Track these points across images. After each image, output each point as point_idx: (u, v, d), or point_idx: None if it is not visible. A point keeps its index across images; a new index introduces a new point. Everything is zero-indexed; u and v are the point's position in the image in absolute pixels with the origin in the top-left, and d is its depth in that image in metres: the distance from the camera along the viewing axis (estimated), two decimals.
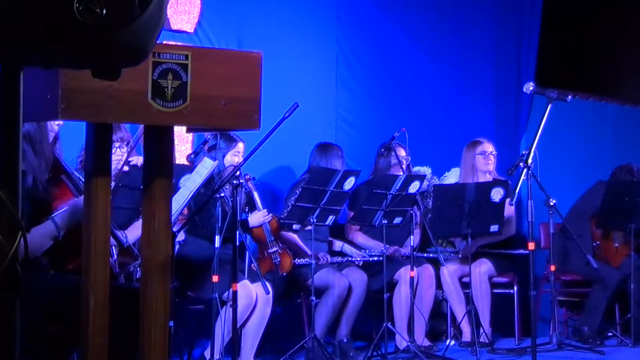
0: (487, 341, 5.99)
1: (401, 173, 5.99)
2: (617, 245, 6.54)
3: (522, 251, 6.32)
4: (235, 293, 4.67)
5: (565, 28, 7.76)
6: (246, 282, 5.14)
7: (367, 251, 6.12)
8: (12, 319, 1.55)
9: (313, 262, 5.47)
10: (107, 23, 1.49)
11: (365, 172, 6.26)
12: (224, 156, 5.40)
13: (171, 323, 4.60)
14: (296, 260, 5.74)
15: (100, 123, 2.34)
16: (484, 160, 6.47)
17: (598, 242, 6.52)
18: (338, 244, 6.18)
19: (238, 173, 4.74)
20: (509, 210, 6.43)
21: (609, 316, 6.45)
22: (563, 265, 6.49)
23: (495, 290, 6.42)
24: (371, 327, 6.04)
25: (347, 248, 6.17)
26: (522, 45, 7.62)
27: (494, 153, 6.50)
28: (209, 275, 4.85)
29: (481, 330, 6.02)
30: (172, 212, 3.93)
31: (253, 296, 5.15)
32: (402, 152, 6.21)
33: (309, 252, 5.72)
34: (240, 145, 5.49)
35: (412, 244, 5.84)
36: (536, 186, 5.54)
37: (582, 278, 6.51)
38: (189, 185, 4.12)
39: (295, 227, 5.63)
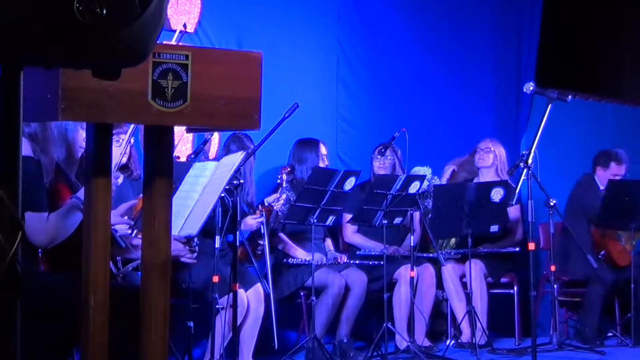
0: (484, 341, 5.98)
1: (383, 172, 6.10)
2: (623, 244, 6.54)
3: (511, 249, 6.35)
4: (235, 293, 4.66)
5: (565, 28, 7.76)
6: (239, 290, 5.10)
7: (365, 251, 6.13)
8: (12, 319, 1.55)
9: (313, 262, 5.47)
10: (107, 23, 1.49)
11: (365, 172, 6.26)
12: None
13: (191, 323, 4.62)
14: (290, 259, 5.77)
15: (100, 123, 2.34)
16: (478, 156, 6.52)
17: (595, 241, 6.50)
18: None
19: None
20: (514, 213, 6.44)
21: (609, 316, 6.45)
22: (563, 265, 6.49)
23: (495, 290, 6.42)
24: (371, 327, 6.04)
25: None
26: (522, 45, 7.62)
27: (491, 149, 6.49)
28: (209, 275, 4.84)
29: (478, 329, 5.98)
30: (205, 212, 3.95)
31: (244, 302, 5.14)
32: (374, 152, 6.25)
33: (302, 256, 5.75)
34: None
35: (412, 244, 5.84)
36: (536, 186, 5.54)
37: (581, 278, 6.51)
38: (217, 182, 4.10)
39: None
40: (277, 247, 5.90)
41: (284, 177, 5.67)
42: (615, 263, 6.46)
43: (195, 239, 4.68)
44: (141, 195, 4.92)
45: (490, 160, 6.50)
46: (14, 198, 1.53)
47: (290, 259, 5.79)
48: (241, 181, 4.78)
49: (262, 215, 5.41)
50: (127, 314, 2.47)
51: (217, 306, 4.81)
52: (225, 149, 5.61)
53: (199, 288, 4.98)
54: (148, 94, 2.30)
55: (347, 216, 6.10)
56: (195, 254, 4.74)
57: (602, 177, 6.62)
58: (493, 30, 7.56)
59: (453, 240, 6.54)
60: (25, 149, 3.14)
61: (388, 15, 7.07)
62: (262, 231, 5.36)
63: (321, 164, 5.95)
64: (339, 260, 5.86)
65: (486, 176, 6.47)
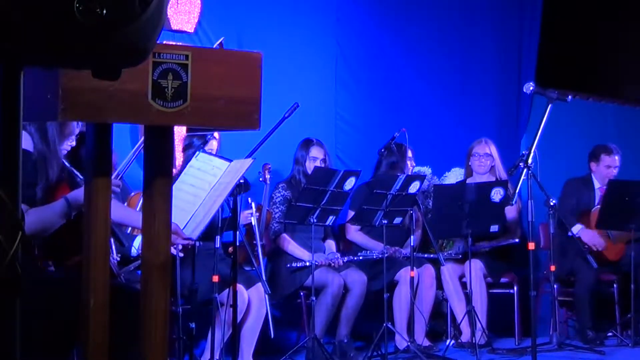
0: (484, 341, 5.98)
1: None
2: (612, 240, 6.55)
3: (511, 241, 6.35)
4: (235, 293, 4.67)
5: (565, 28, 7.76)
6: (239, 286, 5.10)
7: (367, 252, 6.12)
8: (12, 319, 1.55)
9: (313, 262, 5.47)
10: (107, 23, 1.49)
11: (366, 172, 6.25)
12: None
13: (193, 324, 4.62)
14: (291, 264, 5.76)
15: (101, 123, 2.34)
16: (477, 162, 6.49)
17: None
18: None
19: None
20: (512, 213, 6.43)
21: (609, 316, 6.44)
22: (561, 265, 6.50)
23: (495, 290, 6.42)
24: (371, 327, 6.03)
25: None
26: (523, 45, 7.62)
27: (489, 154, 6.48)
28: (209, 276, 4.85)
29: (478, 329, 5.97)
30: (207, 217, 3.94)
31: (245, 299, 5.15)
32: (409, 154, 6.22)
33: (306, 257, 5.75)
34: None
35: (412, 244, 5.83)
36: (536, 186, 5.54)
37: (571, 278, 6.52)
38: (220, 187, 4.08)
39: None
40: (280, 246, 5.90)
41: (267, 175, 5.71)
42: (607, 259, 6.46)
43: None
44: (133, 193, 4.96)
45: (489, 165, 6.51)
46: (14, 198, 1.53)
47: (291, 264, 5.77)
48: (242, 181, 4.78)
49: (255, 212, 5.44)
50: (127, 314, 2.47)
51: (215, 295, 4.81)
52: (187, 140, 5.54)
53: (200, 289, 4.98)
54: (148, 94, 2.30)
55: (351, 213, 6.11)
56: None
57: (597, 172, 6.65)
58: (493, 30, 7.56)
59: (452, 242, 6.54)
60: (25, 143, 3.14)
61: (387, 16, 7.08)
62: (255, 231, 5.37)
63: (311, 164, 5.92)
64: (335, 263, 5.82)
65: (482, 178, 6.46)
